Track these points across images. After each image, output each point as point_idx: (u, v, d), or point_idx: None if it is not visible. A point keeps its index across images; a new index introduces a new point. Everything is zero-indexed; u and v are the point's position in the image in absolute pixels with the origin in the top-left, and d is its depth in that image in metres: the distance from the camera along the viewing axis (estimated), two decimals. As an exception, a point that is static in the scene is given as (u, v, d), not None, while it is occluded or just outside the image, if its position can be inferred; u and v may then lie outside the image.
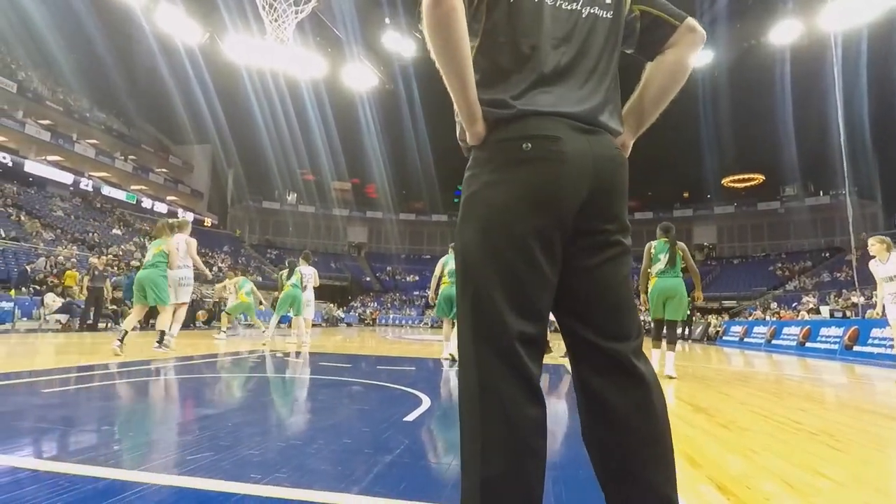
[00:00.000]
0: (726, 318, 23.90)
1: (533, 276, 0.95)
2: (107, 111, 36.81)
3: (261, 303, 11.24)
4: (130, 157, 37.32)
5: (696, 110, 35.59)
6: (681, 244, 5.47)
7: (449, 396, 3.79)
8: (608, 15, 1.05)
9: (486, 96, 0.99)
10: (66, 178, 30.79)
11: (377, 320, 34.69)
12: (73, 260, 16.09)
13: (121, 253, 24.64)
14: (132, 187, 36.52)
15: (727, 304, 33.03)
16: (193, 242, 6.86)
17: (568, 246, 0.98)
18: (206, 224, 40.80)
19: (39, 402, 3.00)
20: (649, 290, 5.44)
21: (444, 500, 1.52)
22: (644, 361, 1.02)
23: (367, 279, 46.32)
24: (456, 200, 44.54)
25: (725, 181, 44.55)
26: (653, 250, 5.48)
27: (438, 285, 6.79)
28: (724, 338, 17.27)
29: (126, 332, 5.73)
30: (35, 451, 1.95)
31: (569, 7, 1.02)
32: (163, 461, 1.83)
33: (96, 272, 11.82)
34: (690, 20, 1.09)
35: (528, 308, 0.96)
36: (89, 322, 11.67)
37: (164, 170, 40.37)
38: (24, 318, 11.87)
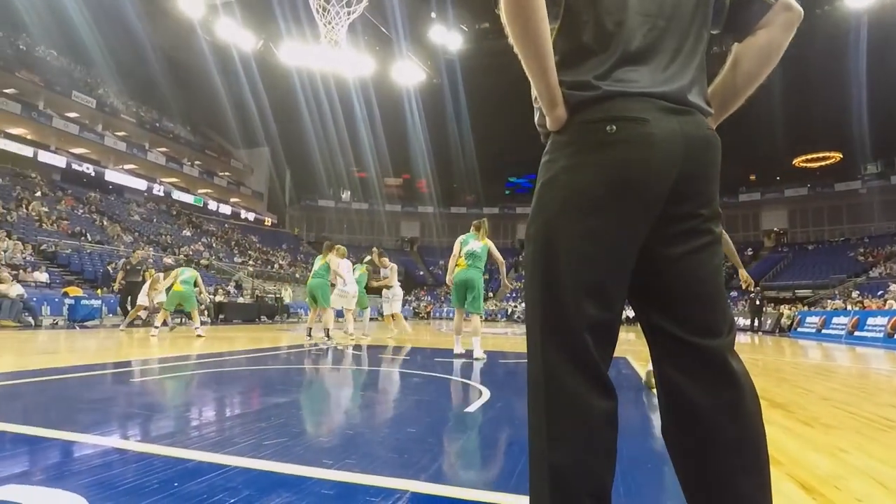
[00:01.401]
0: (800, 307, 22.43)
1: (611, 265, 0.91)
2: (174, 120, 39.02)
3: (200, 293, 10.04)
4: (196, 162, 39.42)
5: (762, 84, 33.42)
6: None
7: (507, 388, 3.78)
8: None
9: (569, 78, 0.94)
10: (141, 184, 32.95)
11: (431, 313, 35.02)
12: (150, 260, 17.22)
13: (190, 253, 26.14)
14: (199, 191, 38.57)
15: (801, 293, 30.92)
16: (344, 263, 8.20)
17: (655, 233, 0.92)
18: (266, 224, 42.56)
19: (131, 389, 3.24)
20: None
21: (508, 490, 1.52)
22: (737, 360, 0.94)
23: (421, 273, 46.84)
24: (507, 192, 44.09)
25: (797, 161, 41.67)
26: None
27: (454, 268, 6.14)
28: (799, 329, 16.23)
29: (311, 328, 7.83)
30: (132, 434, 2.11)
31: None
32: (242, 445, 1.94)
33: (129, 267, 11.70)
34: None
35: (603, 297, 0.92)
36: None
37: (227, 173, 42.39)
38: (111, 315, 12.87)
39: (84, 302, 12.10)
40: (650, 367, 3.08)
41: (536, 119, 1.04)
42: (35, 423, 2.19)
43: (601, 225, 0.90)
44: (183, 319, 12.01)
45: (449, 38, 32.64)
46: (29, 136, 28.10)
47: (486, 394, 3.25)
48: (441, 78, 37.76)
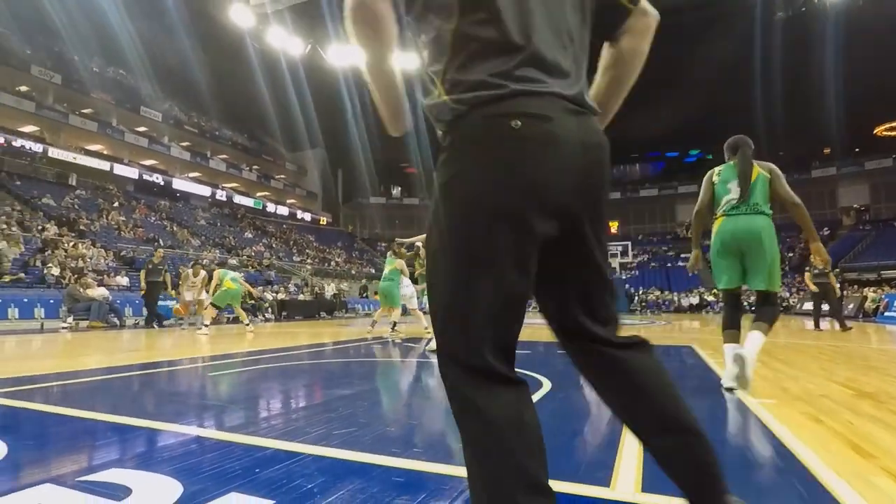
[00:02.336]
0: (887, 290, 20.71)
1: (512, 263, 0.90)
2: (232, 128, 40.88)
3: (250, 295, 10.65)
4: (254, 166, 41.15)
5: (833, 50, 31.08)
6: (768, 164, 3.32)
7: (567, 379, 3.74)
8: None
9: (471, 77, 0.92)
10: (205, 190, 34.78)
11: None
12: (215, 262, 18.18)
13: (253, 254, 27.37)
14: (258, 194, 40.25)
15: (888, 273, 28.49)
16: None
17: (551, 231, 0.91)
18: (321, 223, 43.86)
19: (208, 382, 3.46)
20: (712, 237, 3.33)
21: (575, 479, 1.52)
22: (624, 344, 1.01)
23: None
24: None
25: (879, 130, 38.38)
26: (716, 178, 3.36)
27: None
28: (887, 314, 15.03)
29: (375, 322, 8.41)
30: (212, 423, 2.26)
31: None
32: (313, 435, 2.03)
33: (150, 267, 11.54)
34: (643, 3, 1.02)
35: (508, 301, 0.92)
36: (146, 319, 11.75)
37: (282, 176, 44.00)
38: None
39: (160, 303, 12.92)
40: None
41: (426, 108, 1.02)
42: (126, 414, 2.38)
43: (500, 224, 0.88)
44: (228, 318, 12.73)
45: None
46: (105, 152, 30.30)
47: (547, 385, 3.24)
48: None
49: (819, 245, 3.15)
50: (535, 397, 2.85)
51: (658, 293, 31.11)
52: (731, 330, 3.15)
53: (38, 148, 25.75)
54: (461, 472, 1.56)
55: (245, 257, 25.35)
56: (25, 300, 11.63)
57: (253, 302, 15.36)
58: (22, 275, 13.55)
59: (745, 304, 3.57)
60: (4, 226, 16.41)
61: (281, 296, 18.58)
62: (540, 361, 4.83)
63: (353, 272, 31.34)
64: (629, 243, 35.40)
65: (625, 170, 50.37)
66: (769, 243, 3.05)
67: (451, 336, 0.93)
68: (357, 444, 1.86)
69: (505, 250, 0.89)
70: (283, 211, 40.63)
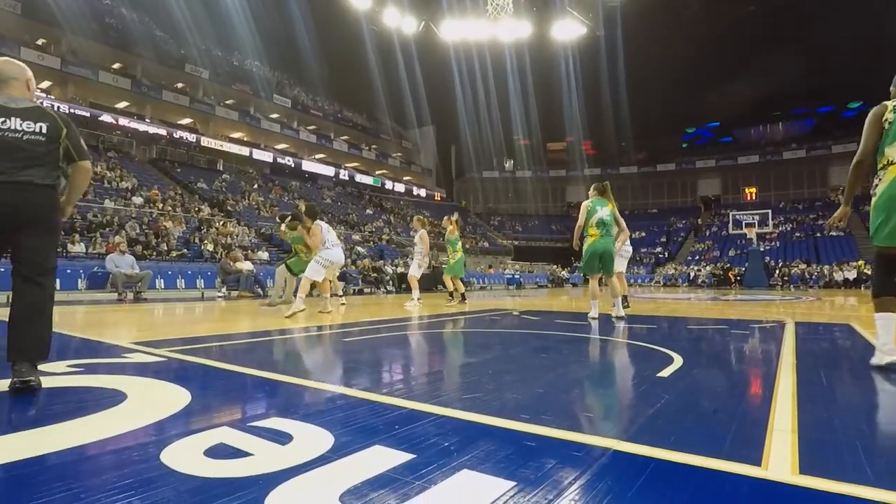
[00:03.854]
0: None
1: None
2: (352, 110, 43.15)
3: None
4: (373, 146, 43.22)
5: None
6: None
7: (699, 353, 3.49)
8: None
9: None
10: (329, 171, 37.34)
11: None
12: (341, 237, 19.53)
13: (374, 229, 28.94)
14: (376, 172, 42.34)
15: None
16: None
17: None
18: (436, 199, 45.01)
19: (345, 347, 3.76)
20: (882, 186, 2.76)
21: (722, 456, 1.41)
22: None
23: (589, 239, 45.24)
24: (685, 146, 40.03)
25: None
26: (890, 115, 2.73)
27: (583, 236, 5.99)
28: None
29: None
30: (356, 383, 2.46)
31: None
32: (445, 398, 2.12)
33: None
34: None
35: None
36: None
37: (399, 154, 45.71)
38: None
39: (294, 275, 14.29)
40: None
41: None
42: (275, 370, 2.67)
43: None
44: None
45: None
46: (245, 139, 33.70)
47: (679, 360, 3.05)
48: (602, 30, 35.28)
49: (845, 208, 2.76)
50: (667, 372, 2.70)
51: (804, 266, 27.60)
52: (887, 297, 2.73)
53: (192, 138, 29.41)
54: (590, 440, 1.54)
55: (367, 232, 26.93)
56: (189, 272, 13.48)
57: (376, 276, 16.31)
58: (185, 251, 15.70)
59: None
60: (170, 208, 19.07)
61: (400, 269, 19.49)
62: (667, 337, 4.56)
63: (468, 246, 31.86)
64: (769, 211, 31.62)
65: (764, 130, 44.86)
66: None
67: None
68: (486, 409, 1.91)
69: None
70: (399, 188, 42.36)
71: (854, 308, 9.15)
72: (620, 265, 7.53)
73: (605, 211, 5.91)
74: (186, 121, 31.15)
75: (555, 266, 33.88)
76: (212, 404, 2.03)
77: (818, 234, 33.42)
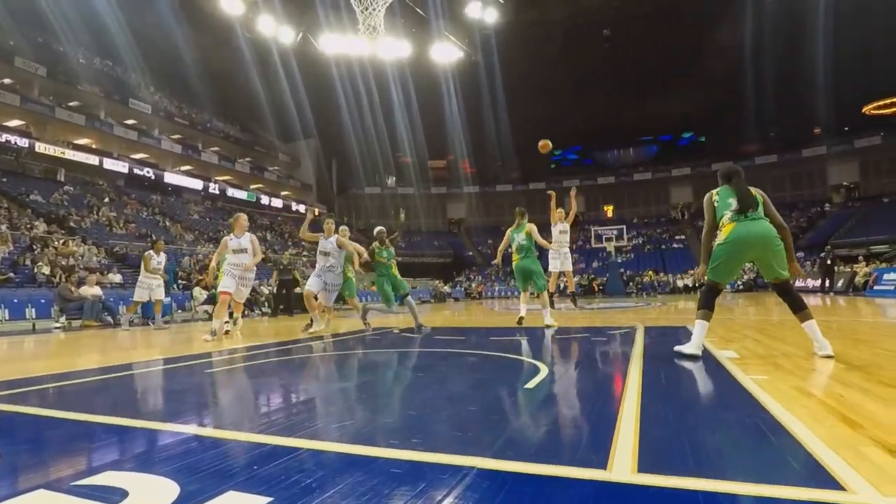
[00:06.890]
0: (877, 264, 20.86)
1: None
2: (223, 119, 40.44)
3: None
4: (247, 158, 40.82)
5: (821, 30, 31.12)
6: (758, 189, 3.64)
7: (564, 362, 3.75)
8: None
9: None
10: (197, 184, 34.51)
11: (483, 293, 35.04)
12: (209, 257, 18.07)
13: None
14: (251, 186, 40.00)
15: (877, 248, 28.72)
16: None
17: None
18: (316, 214, 43.66)
19: (202, 380, 3.44)
20: (721, 239, 3.57)
21: (573, 463, 1.51)
22: None
23: (470, 254, 46.87)
24: (552, 166, 43.27)
25: (867, 109, 38.44)
26: (716, 198, 3.66)
27: (507, 255, 7.18)
28: (876, 287, 15.17)
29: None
30: (209, 421, 2.24)
31: None
32: (312, 429, 2.02)
33: (281, 266, 11.62)
34: None
35: None
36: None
37: (276, 167, 43.68)
38: (179, 311, 13.65)
39: (155, 300, 12.86)
40: None
41: None
42: (122, 414, 2.36)
43: None
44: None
45: (486, 12, 32.10)
46: (94, 146, 29.92)
47: (544, 370, 3.24)
48: (478, 55, 37.24)
49: (796, 263, 3.65)
50: (533, 383, 2.85)
51: (652, 274, 31.26)
52: (707, 310, 3.66)
53: (23, 143, 25.42)
54: (457, 460, 1.56)
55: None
56: (15, 300, 11.54)
57: (250, 297, 15.29)
58: (11, 274, 13.43)
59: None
60: (-6, 224, 16.24)
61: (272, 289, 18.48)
62: (535, 348, 4.84)
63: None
64: (624, 227, 35.52)
65: (618, 154, 50.30)
66: (777, 241, 3.44)
67: None
68: (356, 437, 1.85)
69: None
70: (277, 203, 40.45)
71: (690, 312, 10.51)
72: (566, 265, 10.47)
73: (521, 236, 6.87)
74: (16, 122, 26.89)
75: (437, 281, 34.52)
76: (27, 462, 1.72)
77: (663, 247, 38.50)
